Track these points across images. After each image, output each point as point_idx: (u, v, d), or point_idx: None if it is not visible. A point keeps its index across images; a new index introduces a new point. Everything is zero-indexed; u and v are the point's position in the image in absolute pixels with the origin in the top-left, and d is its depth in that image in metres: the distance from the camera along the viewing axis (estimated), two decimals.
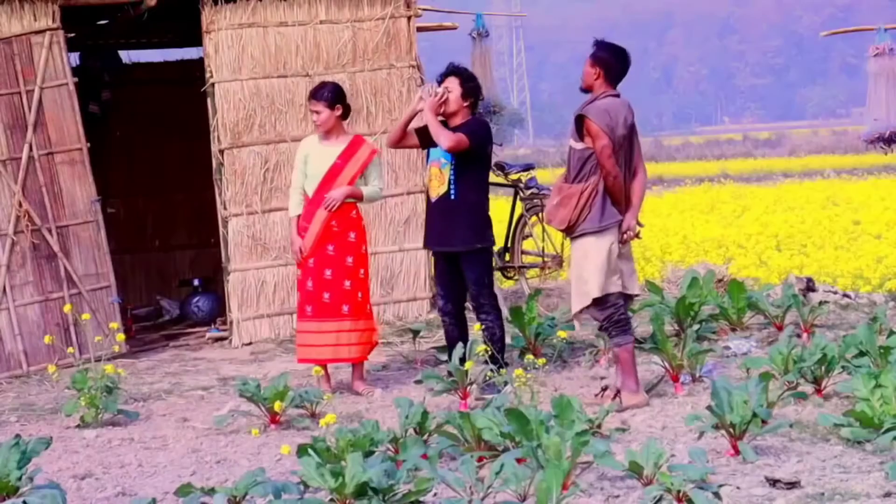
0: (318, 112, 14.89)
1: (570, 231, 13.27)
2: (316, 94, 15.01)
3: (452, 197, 14.24)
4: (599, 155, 13.12)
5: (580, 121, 13.16)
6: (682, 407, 12.92)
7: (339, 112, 14.92)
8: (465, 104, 14.44)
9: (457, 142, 13.97)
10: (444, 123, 14.34)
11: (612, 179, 13.22)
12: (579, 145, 13.18)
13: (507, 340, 15.41)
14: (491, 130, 14.69)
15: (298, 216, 14.96)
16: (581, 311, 13.42)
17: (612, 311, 13.29)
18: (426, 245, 14.95)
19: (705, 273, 18.80)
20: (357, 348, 14.95)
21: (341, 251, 14.79)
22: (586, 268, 13.28)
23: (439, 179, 14.21)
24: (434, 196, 14.32)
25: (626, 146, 13.30)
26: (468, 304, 14.63)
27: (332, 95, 14.97)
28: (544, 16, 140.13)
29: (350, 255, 14.85)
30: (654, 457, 9.77)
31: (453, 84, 14.46)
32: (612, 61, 13.37)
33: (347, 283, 14.81)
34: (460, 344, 13.84)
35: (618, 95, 13.40)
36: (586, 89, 13.38)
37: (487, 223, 14.49)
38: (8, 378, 17.56)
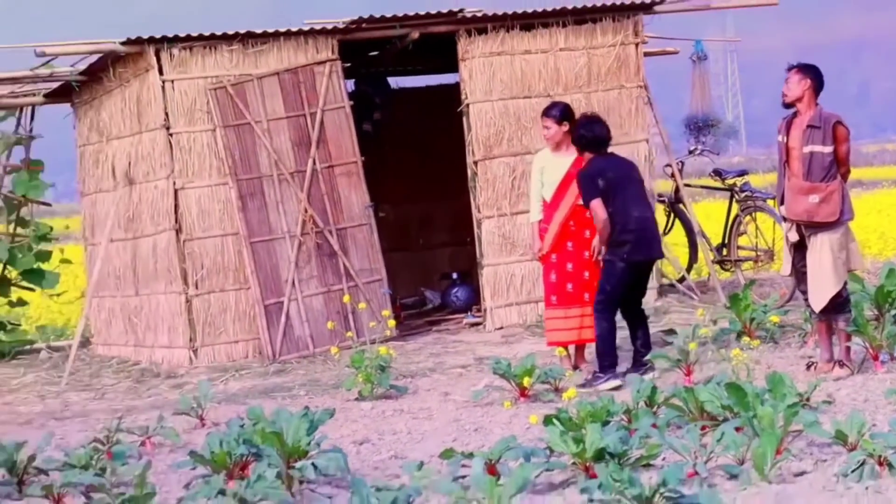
0: (547, 127, 14.96)
1: (838, 221, 13.18)
2: (546, 112, 15.10)
3: None
4: (846, 155, 13.23)
5: (834, 127, 13.14)
6: (881, 383, 12.71)
7: (565, 128, 14.91)
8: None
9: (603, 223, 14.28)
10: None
11: (849, 175, 13.40)
12: (828, 149, 13.09)
13: (725, 325, 15.33)
14: (595, 168, 14.49)
15: (539, 221, 15.00)
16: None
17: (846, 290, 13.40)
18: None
19: None
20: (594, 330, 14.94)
21: (579, 247, 14.76)
22: (852, 248, 13.47)
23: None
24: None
25: None
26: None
27: (559, 113, 15.00)
28: (755, 40, 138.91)
29: (587, 250, 14.82)
30: (857, 426, 9.65)
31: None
32: (816, 78, 13.30)
33: (586, 273, 14.78)
34: (689, 327, 13.78)
35: None
36: (792, 103, 13.29)
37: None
38: (297, 358, 17.78)
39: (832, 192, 13.07)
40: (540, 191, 14.94)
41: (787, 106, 13.35)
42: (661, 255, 14.67)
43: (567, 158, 14.86)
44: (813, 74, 13.36)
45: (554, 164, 14.87)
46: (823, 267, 13.17)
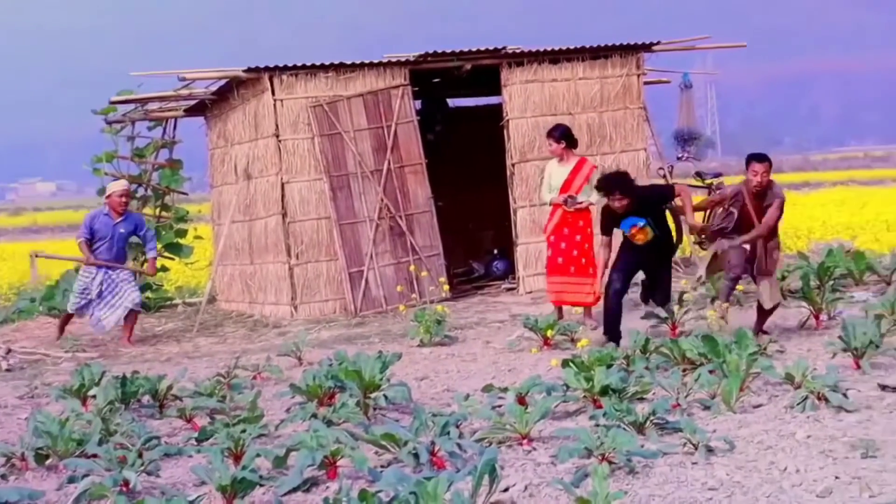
0: (550, 145, 15.05)
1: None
2: (549, 133, 15.18)
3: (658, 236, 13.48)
4: None
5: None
6: (821, 337, 12.63)
7: (563, 145, 14.88)
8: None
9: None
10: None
11: None
12: None
13: (703, 291, 15.22)
14: (657, 189, 13.98)
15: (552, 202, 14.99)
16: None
17: None
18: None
19: (838, 246, 18.43)
20: (592, 296, 14.83)
21: (573, 232, 14.73)
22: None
23: (643, 234, 13.37)
24: (640, 242, 12.96)
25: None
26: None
27: (559, 134, 15.01)
28: (729, 73, 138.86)
29: (579, 234, 14.78)
30: (802, 369, 9.62)
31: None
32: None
33: (575, 252, 14.76)
34: (675, 293, 13.58)
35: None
36: None
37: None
38: (373, 313, 17.80)
39: None
40: (548, 187, 14.98)
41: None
42: None
43: (567, 167, 14.91)
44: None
45: (557, 172, 14.94)
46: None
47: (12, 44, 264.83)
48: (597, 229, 13.81)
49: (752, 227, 12.58)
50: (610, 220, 13.09)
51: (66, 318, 17.25)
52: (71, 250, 22.50)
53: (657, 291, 13.32)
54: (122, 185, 16.99)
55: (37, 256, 17.66)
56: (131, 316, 16.63)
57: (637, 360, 10.91)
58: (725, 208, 12.80)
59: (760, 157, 12.64)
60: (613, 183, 12.92)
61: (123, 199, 16.47)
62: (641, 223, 12.85)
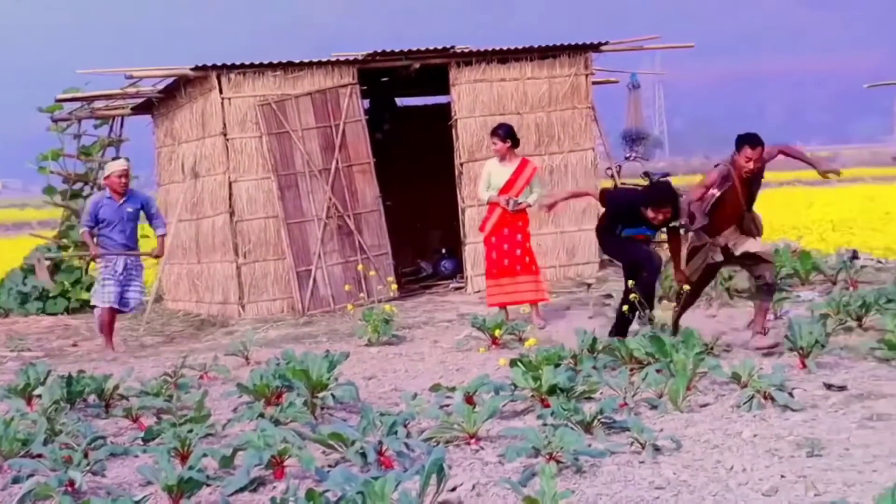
0: (495, 143, 14.92)
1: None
2: (494, 132, 15.08)
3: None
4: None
5: None
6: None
7: (508, 144, 14.83)
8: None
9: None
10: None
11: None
12: None
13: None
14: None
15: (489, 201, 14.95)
16: None
17: None
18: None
19: (784, 246, 18.52)
20: (540, 293, 14.89)
21: (513, 231, 14.76)
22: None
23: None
24: None
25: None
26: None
27: (504, 133, 14.94)
28: (677, 73, 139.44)
29: (519, 234, 14.81)
30: (748, 369, 9.65)
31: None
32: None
33: (518, 251, 14.78)
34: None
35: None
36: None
37: None
38: (321, 313, 17.77)
39: None
40: (486, 185, 14.90)
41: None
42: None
43: (510, 167, 14.86)
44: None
45: (499, 172, 14.87)
46: None
47: None
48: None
49: (735, 213, 11.99)
50: (628, 217, 12.47)
51: (110, 313, 15.88)
52: (22, 249, 22.31)
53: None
54: (120, 164, 16.01)
55: (44, 259, 17.61)
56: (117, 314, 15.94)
57: (585, 359, 10.91)
58: (711, 193, 11.70)
59: (753, 141, 11.31)
60: (675, 202, 12.02)
61: (123, 180, 15.67)
62: (650, 234, 12.64)
